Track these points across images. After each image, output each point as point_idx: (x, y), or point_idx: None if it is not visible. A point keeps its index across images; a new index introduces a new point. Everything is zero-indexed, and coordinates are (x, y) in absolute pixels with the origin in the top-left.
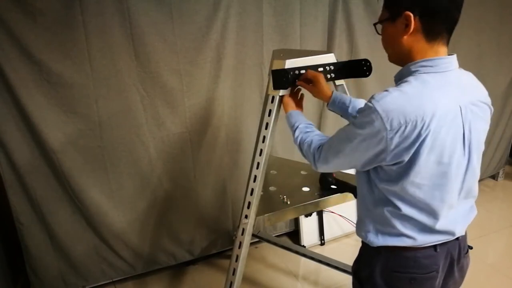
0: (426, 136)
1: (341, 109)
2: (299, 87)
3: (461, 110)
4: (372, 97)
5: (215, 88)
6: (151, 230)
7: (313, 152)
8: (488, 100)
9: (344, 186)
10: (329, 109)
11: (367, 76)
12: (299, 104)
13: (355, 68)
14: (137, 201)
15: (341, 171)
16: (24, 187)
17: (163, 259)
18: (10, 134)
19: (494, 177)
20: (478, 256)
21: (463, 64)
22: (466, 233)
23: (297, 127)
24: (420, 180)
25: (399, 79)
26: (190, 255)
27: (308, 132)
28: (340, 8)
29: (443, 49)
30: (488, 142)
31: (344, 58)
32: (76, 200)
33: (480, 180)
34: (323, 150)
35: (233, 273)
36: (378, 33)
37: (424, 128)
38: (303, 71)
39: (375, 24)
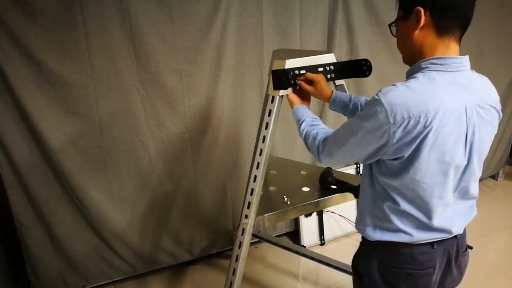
0: (428, 133)
1: (342, 108)
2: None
3: (466, 111)
4: (379, 90)
5: (215, 88)
6: (151, 230)
7: (318, 144)
8: (498, 105)
9: (344, 186)
10: (331, 109)
11: (367, 76)
12: (305, 98)
13: (355, 68)
14: (137, 201)
15: (341, 167)
16: (24, 187)
17: (163, 259)
18: (10, 134)
19: (494, 177)
20: (478, 256)
21: None
22: (465, 231)
23: (303, 120)
24: (420, 178)
25: (410, 75)
26: (190, 255)
27: (314, 125)
28: (340, 8)
29: (454, 45)
30: None
31: (344, 58)
32: (76, 200)
33: (480, 180)
34: (328, 143)
35: (233, 273)
36: (393, 35)
37: (427, 125)
38: (303, 71)
39: (389, 26)
